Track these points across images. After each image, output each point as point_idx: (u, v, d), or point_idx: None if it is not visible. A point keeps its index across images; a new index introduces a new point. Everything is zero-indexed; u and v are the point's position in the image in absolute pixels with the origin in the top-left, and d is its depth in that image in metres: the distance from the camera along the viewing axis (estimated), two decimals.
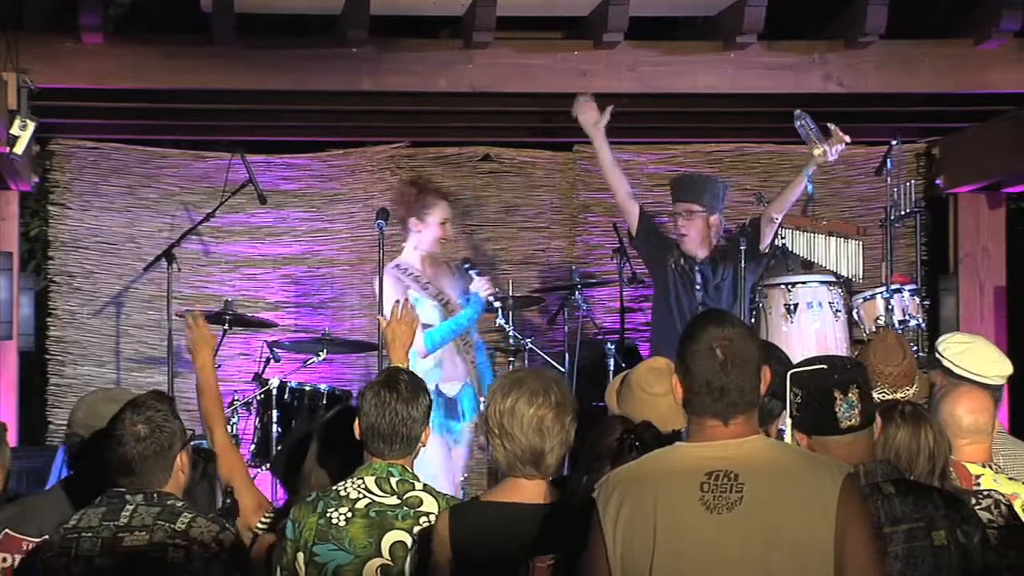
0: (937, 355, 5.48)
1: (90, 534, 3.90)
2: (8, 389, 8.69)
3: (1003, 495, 4.09)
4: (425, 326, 6.89)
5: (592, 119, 7.33)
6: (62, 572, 3.88)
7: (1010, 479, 4.54)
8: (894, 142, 8.08)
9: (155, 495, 3.97)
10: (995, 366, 5.32)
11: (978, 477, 4.45)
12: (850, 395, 3.72)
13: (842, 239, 7.99)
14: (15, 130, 7.11)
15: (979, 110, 8.45)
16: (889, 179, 8.10)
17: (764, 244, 7.34)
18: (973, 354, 5.35)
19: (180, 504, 3.98)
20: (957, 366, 5.32)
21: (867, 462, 3.73)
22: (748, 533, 3.16)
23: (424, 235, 7.14)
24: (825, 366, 3.78)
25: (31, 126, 7.13)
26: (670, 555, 3.18)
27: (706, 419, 3.30)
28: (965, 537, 3.67)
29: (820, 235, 8.06)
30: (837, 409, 3.71)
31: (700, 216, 7.23)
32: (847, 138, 7.10)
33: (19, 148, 7.17)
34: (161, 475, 4.00)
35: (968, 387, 4.96)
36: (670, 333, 6.72)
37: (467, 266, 7.24)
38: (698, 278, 7.27)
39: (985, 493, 4.06)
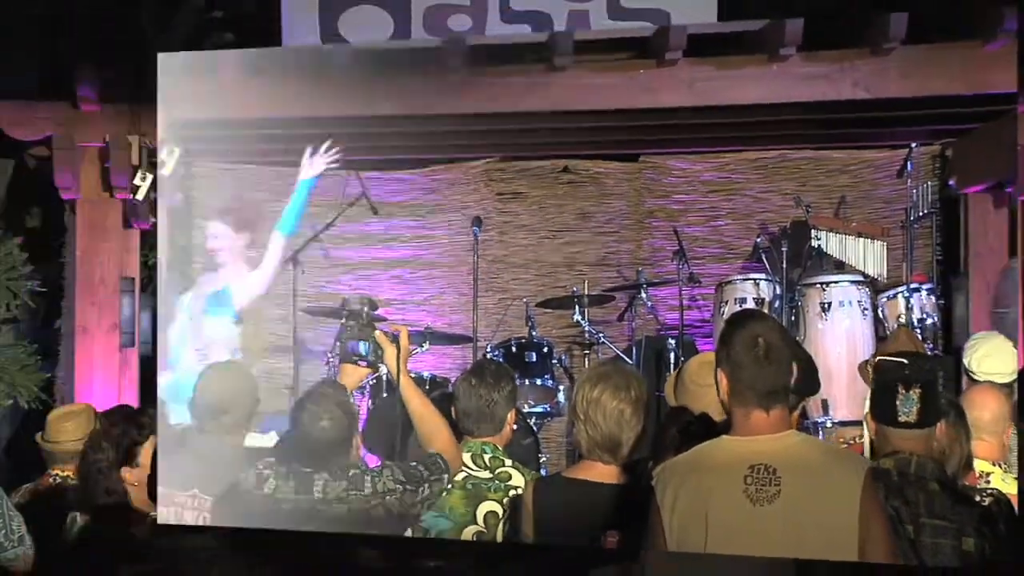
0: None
1: (289, 506, 4.13)
2: (131, 385, 8.84)
3: (1004, 494, 4.15)
4: None
5: None
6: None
7: (1016, 479, 4.68)
8: (913, 145, 8.35)
9: (339, 471, 4.19)
10: (991, 362, 5.55)
11: (988, 475, 4.57)
12: (912, 392, 3.78)
13: (869, 240, 8.18)
14: (137, 181, 8.04)
15: (993, 110, 8.08)
16: (909, 181, 8.38)
17: None
18: (977, 351, 5.62)
19: (359, 471, 4.21)
20: (965, 365, 5.60)
21: (921, 454, 3.85)
22: (786, 522, 3.38)
23: None
24: (905, 360, 3.85)
25: (150, 178, 7.98)
26: (721, 541, 3.42)
27: (751, 409, 3.46)
28: (993, 553, 3.77)
29: (851, 236, 8.26)
30: (897, 402, 3.78)
31: None
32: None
33: (140, 195, 8.09)
34: (341, 459, 4.23)
35: (986, 385, 5.09)
36: None
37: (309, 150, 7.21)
38: None
39: (988, 491, 4.09)
